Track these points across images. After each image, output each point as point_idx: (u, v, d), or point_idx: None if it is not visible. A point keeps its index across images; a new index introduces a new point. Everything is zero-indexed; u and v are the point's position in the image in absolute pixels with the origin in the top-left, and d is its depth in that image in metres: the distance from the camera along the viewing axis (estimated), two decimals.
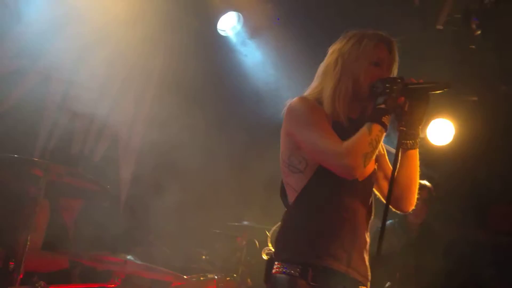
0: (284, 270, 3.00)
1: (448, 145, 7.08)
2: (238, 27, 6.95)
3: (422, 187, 5.79)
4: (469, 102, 7.75)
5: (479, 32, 6.31)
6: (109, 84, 6.78)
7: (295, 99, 3.15)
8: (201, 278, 5.73)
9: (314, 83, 3.27)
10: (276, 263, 3.07)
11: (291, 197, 3.10)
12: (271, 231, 5.19)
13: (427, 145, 6.92)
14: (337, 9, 6.83)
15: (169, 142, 6.64)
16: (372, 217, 3.22)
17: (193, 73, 6.69)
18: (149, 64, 6.88)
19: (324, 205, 3.04)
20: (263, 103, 7.37)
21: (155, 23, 6.54)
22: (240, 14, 6.93)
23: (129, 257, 5.31)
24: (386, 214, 2.92)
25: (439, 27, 6.45)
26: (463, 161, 7.44)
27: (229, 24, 6.96)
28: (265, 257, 4.92)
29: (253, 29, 7.00)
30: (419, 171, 3.21)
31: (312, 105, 3.10)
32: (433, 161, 6.94)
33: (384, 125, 2.95)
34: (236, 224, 6.34)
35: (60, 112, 6.52)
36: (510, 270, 7.64)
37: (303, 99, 3.14)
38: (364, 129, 2.93)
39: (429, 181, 6.48)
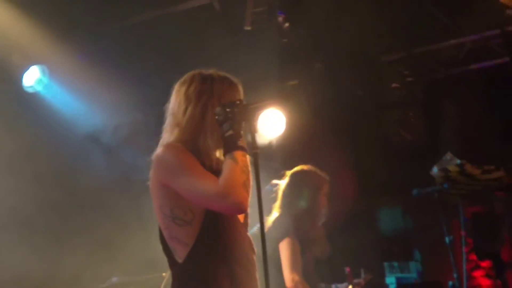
0: None
1: (282, 134, 7.08)
2: (45, 79, 6.51)
3: None
4: (291, 86, 7.90)
5: (287, 24, 6.35)
6: None
7: (161, 148, 2.98)
8: None
9: (169, 127, 3.08)
10: None
11: (181, 252, 2.90)
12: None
13: (263, 140, 6.90)
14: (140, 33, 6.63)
15: None
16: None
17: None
18: None
19: (220, 257, 2.91)
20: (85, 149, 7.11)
21: None
22: (44, 66, 6.50)
23: None
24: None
25: (247, 27, 6.43)
26: (299, 145, 7.54)
27: (34, 79, 6.50)
28: None
29: (61, 78, 6.62)
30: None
31: (181, 150, 2.95)
32: (272, 154, 6.98)
33: (244, 149, 2.91)
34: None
35: None
36: None
37: (170, 146, 2.97)
38: (229, 161, 2.86)
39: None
